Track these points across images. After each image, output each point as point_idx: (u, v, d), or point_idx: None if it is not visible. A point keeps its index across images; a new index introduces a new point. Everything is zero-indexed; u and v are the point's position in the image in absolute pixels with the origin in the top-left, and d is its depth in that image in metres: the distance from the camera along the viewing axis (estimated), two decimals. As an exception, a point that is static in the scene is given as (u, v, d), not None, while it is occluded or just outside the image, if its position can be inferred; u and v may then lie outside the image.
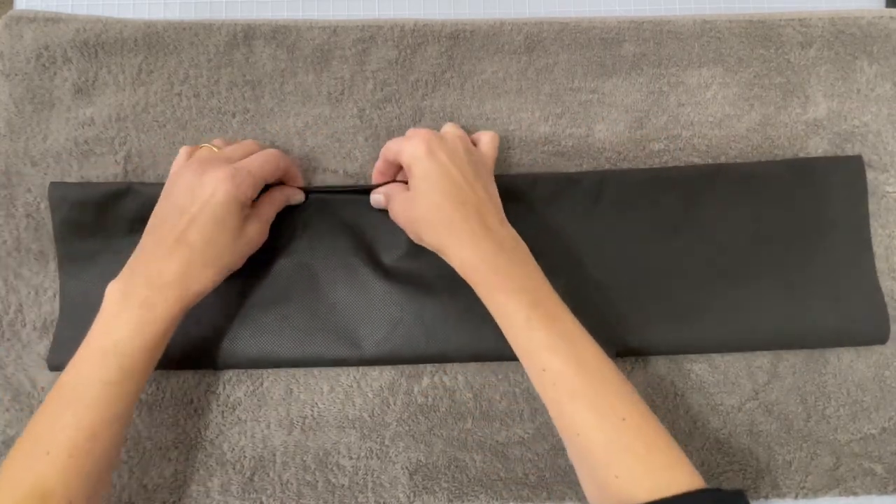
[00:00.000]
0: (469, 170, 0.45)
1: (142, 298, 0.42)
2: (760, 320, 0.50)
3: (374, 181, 0.51)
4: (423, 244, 0.46)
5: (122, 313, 0.42)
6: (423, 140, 0.45)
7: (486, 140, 0.49)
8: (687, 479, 0.38)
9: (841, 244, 0.51)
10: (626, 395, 0.41)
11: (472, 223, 0.43)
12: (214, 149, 0.48)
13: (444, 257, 0.45)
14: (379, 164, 0.50)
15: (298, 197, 0.51)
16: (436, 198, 0.44)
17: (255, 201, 0.47)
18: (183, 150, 0.48)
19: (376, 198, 0.50)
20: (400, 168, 0.49)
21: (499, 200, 0.47)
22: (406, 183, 0.48)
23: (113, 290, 0.43)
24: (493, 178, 0.48)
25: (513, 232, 0.45)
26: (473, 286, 0.44)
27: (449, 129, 0.48)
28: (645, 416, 0.40)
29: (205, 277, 0.44)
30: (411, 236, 0.47)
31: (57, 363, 0.49)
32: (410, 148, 0.45)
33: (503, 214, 0.46)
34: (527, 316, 0.41)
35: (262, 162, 0.47)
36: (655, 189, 0.51)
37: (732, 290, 0.50)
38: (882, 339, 0.50)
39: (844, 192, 0.52)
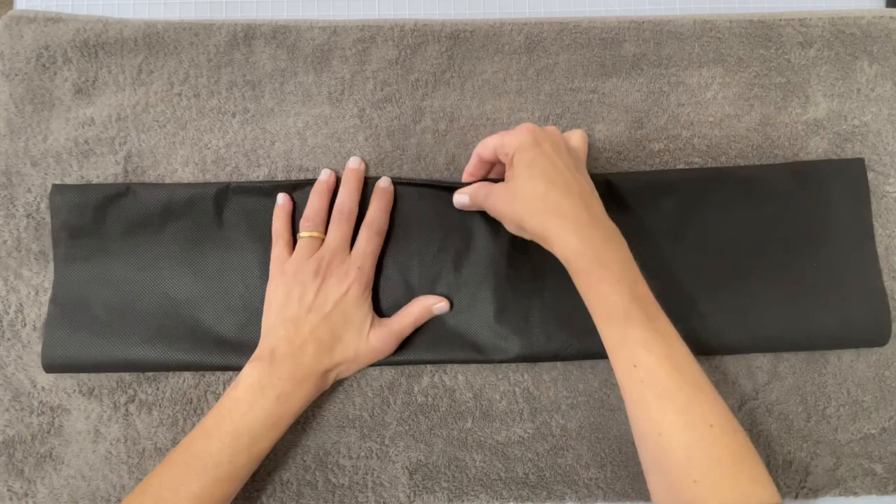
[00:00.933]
0: (571, 161, 0.45)
1: (278, 392, 0.45)
2: (762, 324, 0.50)
3: (464, 181, 0.50)
4: (524, 233, 0.46)
5: (259, 402, 0.44)
6: (528, 130, 0.45)
7: (577, 137, 0.49)
8: (767, 495, 0.38)
9: (843, 248, 0.51)
10: (715, 403, 0.40)
11: (579, 211, 0.43)
12: (315, 234, 0.49)
13: (546, 245, 0.44)
14: (470, 166, 0.50)
15: (442, 308, 0.50)
16: (541, 186, 0.43)
17: (390, 315, 0.49)
18: (281, 242, 0.49)
19: (460, 198, 0.49)
20: (490, 168, 0.50)
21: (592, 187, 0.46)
22: (495, 182, 0.48)
23: (250, 381, 0.45)
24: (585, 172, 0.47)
25: (615, 225, 0.45)
26: (574, 274, 0.43)
27: (548, 126, 0.48)
28: (733, 426, 0.40)
29: (338, 374, 0.48)
30: (510, 227, 0.46)
31: (50, 363, 0.49)
32: (514, 139, 0.45)
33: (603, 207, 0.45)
34: (626, 310, 0.41)
35: (373, 245, 0.49)
36: (657, 192, 0.51)
37: (734, 294, 0.50)
38: (882, 341, 0.50)
39: (847, 196, 0.52)
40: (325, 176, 0.51)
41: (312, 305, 0.46)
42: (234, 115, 0.53)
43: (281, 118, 0.53)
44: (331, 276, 0.47)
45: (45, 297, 0.51)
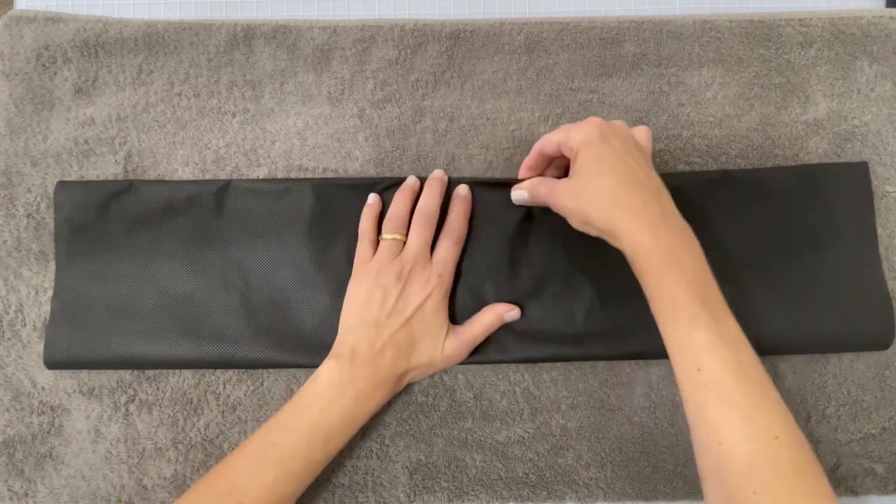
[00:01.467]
0: (640, 156, 0.44)
1: (356, 391, 0.45)
2: (765, 327, 0.49)
3: (521, 176, 0.50)
4: (589, 229, 0.44)
5: (337, 399, 0.45)
6: (595, 125, 0.44)
7: (643, 134, 0.47)
8: None
9: (847, 252, 0.51)
10: (782, 414, 0.39)
11: (651, 208, 0.42)
12: (398, 237, 0.49)
13: (614, 241, 0.43)
14: (529, 159, 0.49)
15: (514, 316, 0.50)
16: (610, 181, 0.42)
17: (463, 322, 0.49)
18: (366, 241, 0.49)
19: (519, 194, 0.49)
20: (549, 163, 0.49)
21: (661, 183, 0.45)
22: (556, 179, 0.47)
23: (330, 378, 0.45)
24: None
25: (687, 224, 0.43)
26: (641, 273, 0.42)
27: (614, 121, 0.46)
28: (799, 439, 0.38)
29: (415, 375, 0.48)
30: (574, 222, 0.45)
31: (52, 361, 0.49)
32: (580, 134, 0.44)
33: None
34: (693, 313, 0.40)
35: (452, 253, 0.49)
36: None
37: (737, 297, 0.50)
38: (886, 344, 0.50)
39: (851, 200, 0.52)
40: (411, 181, 0.51)
41: (393, 309, 0.47)
42: (234, 115, 0.53)
43: (281, 118, 0.53)
44: (413, 282, 0.47)
45: (45, 297, 0.51)
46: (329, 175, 0.53)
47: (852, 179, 0.52)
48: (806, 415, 0.50)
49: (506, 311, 0.49)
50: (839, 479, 0.50)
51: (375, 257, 0.49)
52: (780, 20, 0.55)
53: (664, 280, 0.41)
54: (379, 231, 0.50)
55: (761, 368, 0.40)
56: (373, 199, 0.51)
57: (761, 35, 0.55)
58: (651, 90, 0.54)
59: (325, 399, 0.45)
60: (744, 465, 0.37)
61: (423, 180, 0.51)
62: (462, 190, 0.51)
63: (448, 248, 0.49)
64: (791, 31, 0.55)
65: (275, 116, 0.53)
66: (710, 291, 0.41)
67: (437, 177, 0.51)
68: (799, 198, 0.51)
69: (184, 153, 0.53)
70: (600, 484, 0.49)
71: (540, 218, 0.51)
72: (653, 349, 0.50)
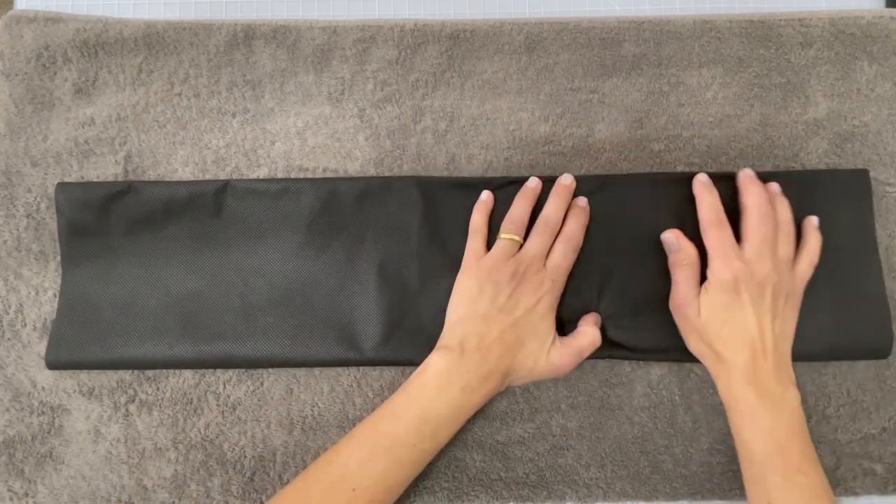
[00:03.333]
0: (768, 315, 0.46)
1: (464, 383, 0.45)
2: None
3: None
4: (690, 350, 0.48)
5: (446, 390, 0.45)
6: (733, 272, 0.46)
7: (807, 260, 0.48)
8: None
9: (846, 261, 0.50)
10: None
11: (745, 370, 0.45)
12: (516, 238, 0.49)
13: (711, 374, 0.47)
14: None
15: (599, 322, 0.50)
16: (722, 331, 0.46)
17: (572, 332, 0.49)
18: (479, 237, 0.49)
19: (670, 238, 0.49)
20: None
21: (790, 338, 0.47)
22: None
23: (439, 368, 0.46)
24: (796, 309, 0.48)
25: (790, 385, 0.45)
26: (727, 413, 0.46)
27: (782, 244, 0.47)
28: None
29: (513, 379, 0.47)
30: (680, 326, 0.48)
31: (55, 361, 0.49)
32: (720, 269, 0.46)
33: (788, 359, 0.46)
34: (768, 456, 0.44)
35: (568, 261, 0.49)
36: (658, 196, 0.51)
37: None
38: (885, 353, 0.50)
39: (850, 207, 0.51)
40: (532, 183, 0.51)
41: (504, 307, 0.47)
42: (234, 115, 0.53)
43: (281, 118, 0.53)
44: (526, 283, 0.47)
45: (45, 297, 0.51)
46: (329, 175, 0.53)
47: (852, 187, 0.52)
48: (806, 415, 0.50)
49: (598, 321, 0.50)
50: (839, 480, 0.50)
51: (490, 254, 0.49)
52: (780, 20, 0.55)
53: (745, 427, 0.45)
54: (490, 229, 0.50)
55: (827, 491, 0.44)
56: (486, 195, 0.51)
57: (761, 35, 0.55)
58: (651, 90, 0.54)
59: (433, 389, 0.45)
60: None
61: (546, 180, 0.51)
62: (581, 201, 0.51)
63: (565, 255, 0.49)
64: (791, 31, 0.55)
65: (275, 116, 0.53)
66: (794, 442, 0.44)
67: (565, 184, 0.51)
68: (798, 204, 0.50)
69: (184, 153, 0.53)
70: (600, 484, 0.49)
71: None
72: (653, 351, 0.50)
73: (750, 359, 0.45)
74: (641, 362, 0.51)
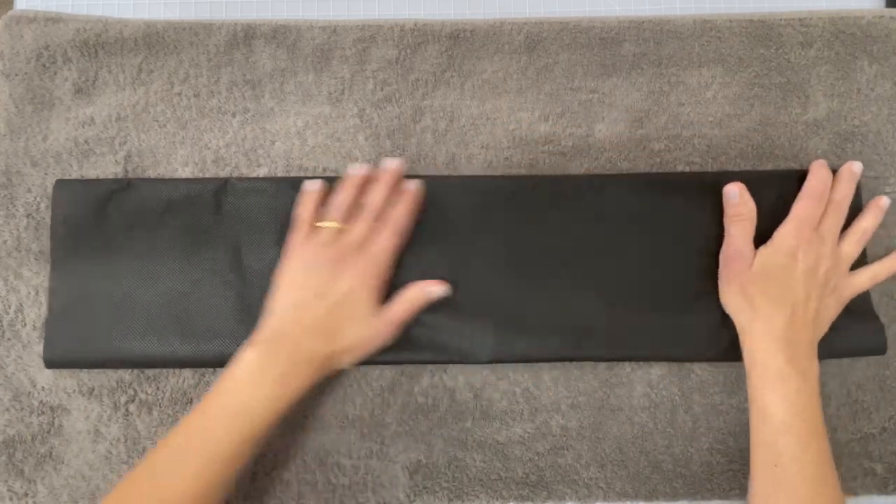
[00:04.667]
0: (816, 290, 0.46)
1: (278, 373, 0.44)
2: None
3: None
4: (724, 302, 0.49)
5: (257, 382, 0.44)
6: (800, 240, 0.47)
7: (853, 241, 0.49)
8: None
9: None
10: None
11: (783, 328, 0.45)
12: (335, 225, 0.48)
13: (739, 332, 0.47)
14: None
15: (438, 292, 0.49)
16: (769, 287, 0.46)
17: (391, 299, 0.48)
18: (303, 228, 0.49)
19: (733, 190, 0.49)
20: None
21: (826, 324, 0.48)
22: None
23: (250, 360, 0.44)
24: (840, 303, 0.48)
25: (815, 360, 0.46)
26: (748, 375, 0.46)
27: (830, 223, 0.48)
28: None
29: (337, 362, 0.47)
30: (725, 277, 0.49)
31: (52, 359, 0.49)
32: (790, 232, 0.47)
33: (816, 343, 0.47)
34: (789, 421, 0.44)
35: (390, 244, 0.48)
36: (655, 197, 0.51)
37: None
38: (880, 350, 0.50)
39: None
40: (358, 170, 0.50)
41: (320, 292, 0.46)
42: (234, 115, 0.53)
43: (281, 118, 0.53)
44: (346, 269, 0.47)
45: (45, 297, 0.51)
46: (329, 175, 0.53)
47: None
48: (806, 415, 0.50)
49: (431, 287, 0.48)
50: (839, 479, 0.50)
51: (312, 241, 0.48)
52: (781, 20, 0.55)
53: (768, 395, 0.45)
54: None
55: (833, 465, 0.44)
56: (312, 185, 0.50)
57: (761, 35, 0.55)
58: (651, 90, 0.54)
59: (246, 382, 0.44)
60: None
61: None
62: (411, 185, 0.50)
63: (387, 238, 0.48)
64: (791, 30, 0.55)
65: (275, 116, 0.53)
66: (816, 420, 0.44)
67: (388, 170, 0.50)
68: (785, 203, 0.50)
69: (184, 153, 0.53)
70: (600, 484, 0.49)
71: (541, 216, 0.51)
72: (653, 351, 0.50)
73: (790, 319, 0.45)
74: (641, 362, 0.51)
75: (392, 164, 0.50)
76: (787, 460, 0.43)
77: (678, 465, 0.50)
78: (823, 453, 0.44)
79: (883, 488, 0.50)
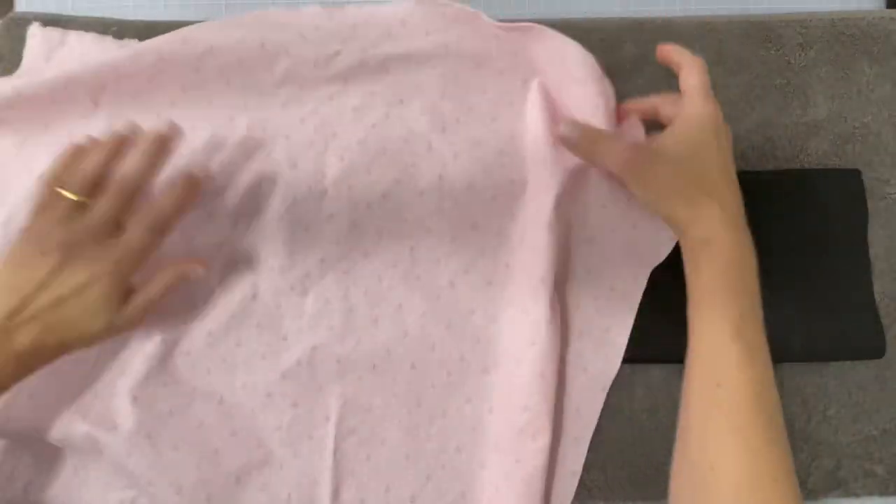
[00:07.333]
0: (732, 164, 0.43)
1: None
2: None
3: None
4: (656, 207, 0.42)
5: None
6: (714, 109, 0.42)
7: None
8: None
9: (836, 259, 0.50)
10: (785, 459, 0.37)
11: (734, 208, 0.40)
12: (72, 196, 0.40)
13: (677, 225, 0.42)
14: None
15: (195, 272, 0.43)
16: (707, 169, 0.41)
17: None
18: (45, 187, 0.40)
19: (568, 130, 0.43)
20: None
21: None
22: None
23: None
24: None
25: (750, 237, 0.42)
26: (699, 266, 0.40)
27: None
28: (794, 486, 0.36)
29: (69, 348, 0.41)
30: (637, 189, 0.42)
31: None
32: (701, 103, 0.41)
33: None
34: (738, 328, 0.39)
35: (145, 242, 0.41)
36: None
37: None
38: (879, 354, 0.50)
39: (842, 208, 0.51)
40: (122, 128, 0.41)
41: (44, 282, 0.39)
42: (234, 116, 0.53)
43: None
44: (79, 257, 0.39)
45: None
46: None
47: (845, 186, 0.52)
48: (807, 416, 0.50)
49: (187, 266, 0.43)
50: (839, 481, 0.50)
51: (42, 212, 0.40)
52: (780, 21, 0.55)
53: (722, 283, 0.39)
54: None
55: (779, 406, 0.39)
56: (83, 139, 0.42)
57: (761, 36, 0.55)
58: (651, 91, 0.54)
59: None
60: (731, 498, 0.35)
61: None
62: (196, 171, 0.43)
63: (140, 235, 0.41)
64: (791, 32, 0.55)
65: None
66: (757, 315, 0.40)
67: (159, 132, 0.41)
68: (788, 204, 0.50)
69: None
70: (600, 485, 0.49)
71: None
72: (651, 353, 0.50)
73: (735, 198, 0.41)
74: (641, 364, 0.51)
75: (164, 130, 0.41)
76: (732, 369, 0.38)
77: (678, 466, 0.50)
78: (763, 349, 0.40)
79: (884, 490, 0.50)
